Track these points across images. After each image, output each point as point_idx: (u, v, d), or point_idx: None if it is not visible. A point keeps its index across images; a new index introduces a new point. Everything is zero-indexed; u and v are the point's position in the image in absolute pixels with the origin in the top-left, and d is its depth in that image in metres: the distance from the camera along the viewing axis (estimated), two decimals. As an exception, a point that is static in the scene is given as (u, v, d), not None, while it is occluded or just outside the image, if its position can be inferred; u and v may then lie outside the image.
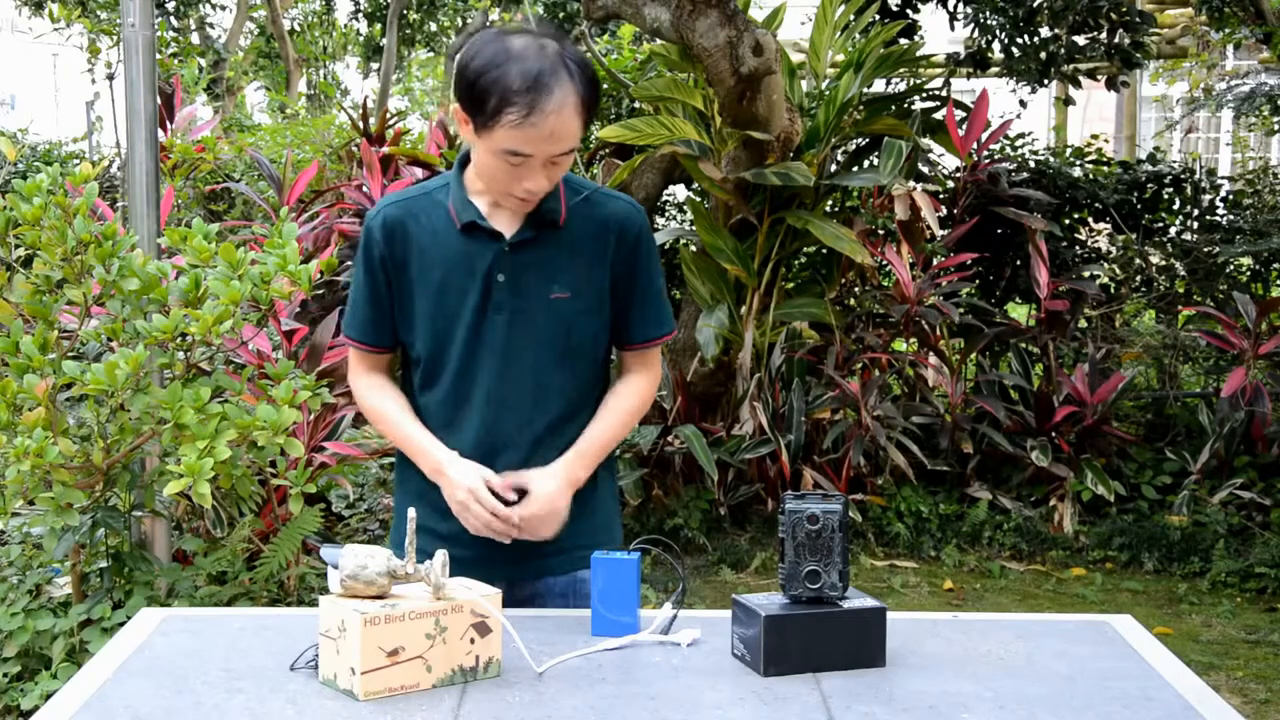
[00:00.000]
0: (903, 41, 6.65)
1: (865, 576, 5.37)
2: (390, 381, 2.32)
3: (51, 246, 3.10)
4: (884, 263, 6.12)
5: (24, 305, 3.15)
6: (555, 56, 2.04)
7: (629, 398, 2.29)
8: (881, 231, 6.19)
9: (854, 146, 6.52)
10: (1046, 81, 6.81)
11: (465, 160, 2.22)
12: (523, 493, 2.16)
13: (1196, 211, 7.13)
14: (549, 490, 2.16)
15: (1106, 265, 7.02)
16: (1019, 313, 7.07)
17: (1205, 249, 6.80)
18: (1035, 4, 6.48)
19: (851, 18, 6.15)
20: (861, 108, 6.16)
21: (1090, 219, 7.14)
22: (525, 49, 2.04)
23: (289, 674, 1.92)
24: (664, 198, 7.52)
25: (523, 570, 2.23)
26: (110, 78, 7.58)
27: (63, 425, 3.14)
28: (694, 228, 5.91)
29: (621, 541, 2.36)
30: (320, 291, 5.05)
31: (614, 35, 8.55)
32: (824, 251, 6.28)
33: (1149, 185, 7.13)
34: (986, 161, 6.55)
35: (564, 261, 2.19)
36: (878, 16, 6.70)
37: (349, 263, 4.94)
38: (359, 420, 4.35)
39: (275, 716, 1.78)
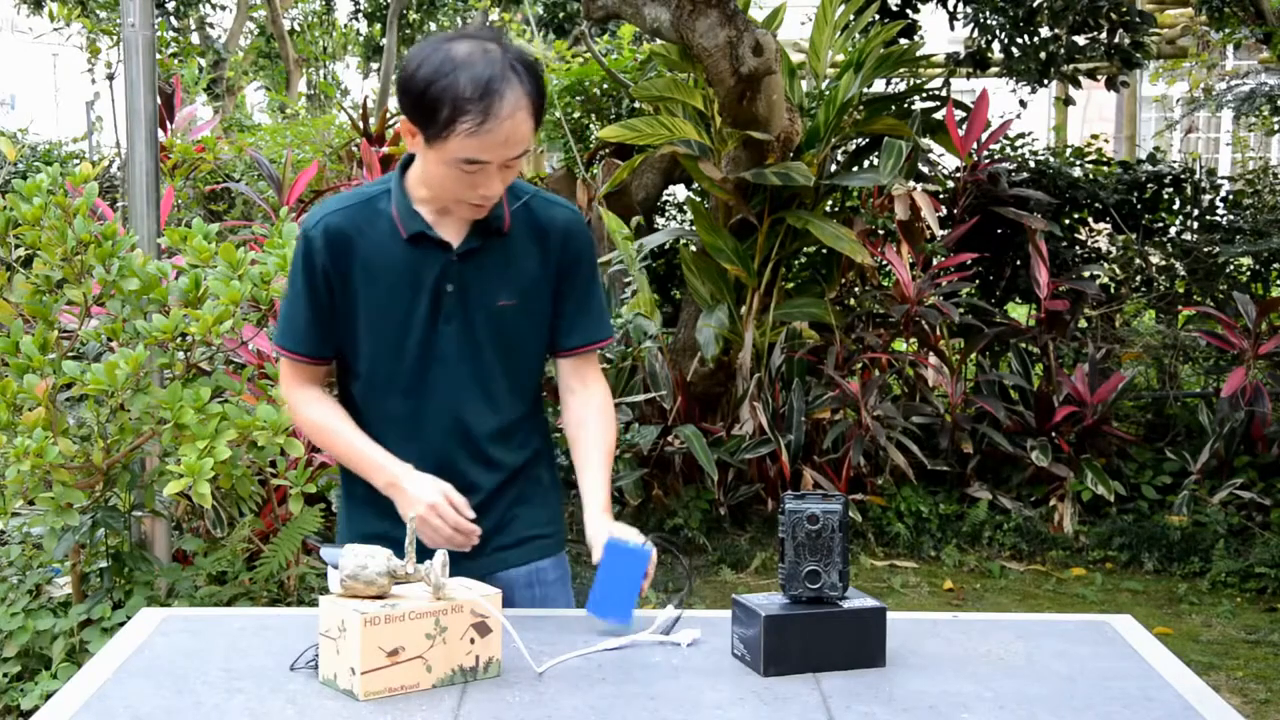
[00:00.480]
0: (902, 41, 6.65)
1: (865, 576, 5.37)
2: (326, 394, 2.29)
3: (51, 246, 3.10)
4: (884, 263, 6.12)
5: (24, 305, 3.15)
6: (502, 60, 2.02)
7: (607, 419, 2.30)
8: (881, 231, 6.19)
9: (854, 146, 6.53)
10: (1046, 81, 6.81)
11: (405, 166, 2.19)
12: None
13: (1196, 211, 7.13)
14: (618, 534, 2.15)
15: (1106, 265, 7.02)
16: (1019, 313, 7.07)
17: (1205, 249, 6.80)
18: (1035, 4, 6.48)
19: (851, 18, 6.15)
20: (861, 108, 6.16)
21: (1090, 219, 7.14)
22: (471, 55, 2.01)
23: (289, 674, 1.92)
24: (664, 198, 7.52)
25: (483, 565, 2.22)
26: (110, 78, 7.58)
27: (63, 425, 3.14)
28: (694, 228, 5.91)
29: (565, 527, 2.40)
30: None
31: (614, 35, 8.55)
32: (824, 251, 6.28)
33: (1149, 185, 7.13)
34: (986, 161, 6.55)
35: (510, 269, 2.19)
36: (877, 16, 6.70)
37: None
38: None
39: (275, 716, 1.78)
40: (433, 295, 2.16)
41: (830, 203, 6.29)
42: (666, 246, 6.79)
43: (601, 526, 2.16)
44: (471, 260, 2.17)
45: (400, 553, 1.90)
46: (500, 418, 2.23)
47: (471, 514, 2.13)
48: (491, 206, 2.14)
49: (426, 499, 2.11)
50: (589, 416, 2.30)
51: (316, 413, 2.26)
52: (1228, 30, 6.88)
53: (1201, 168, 7.44)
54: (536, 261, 2.21)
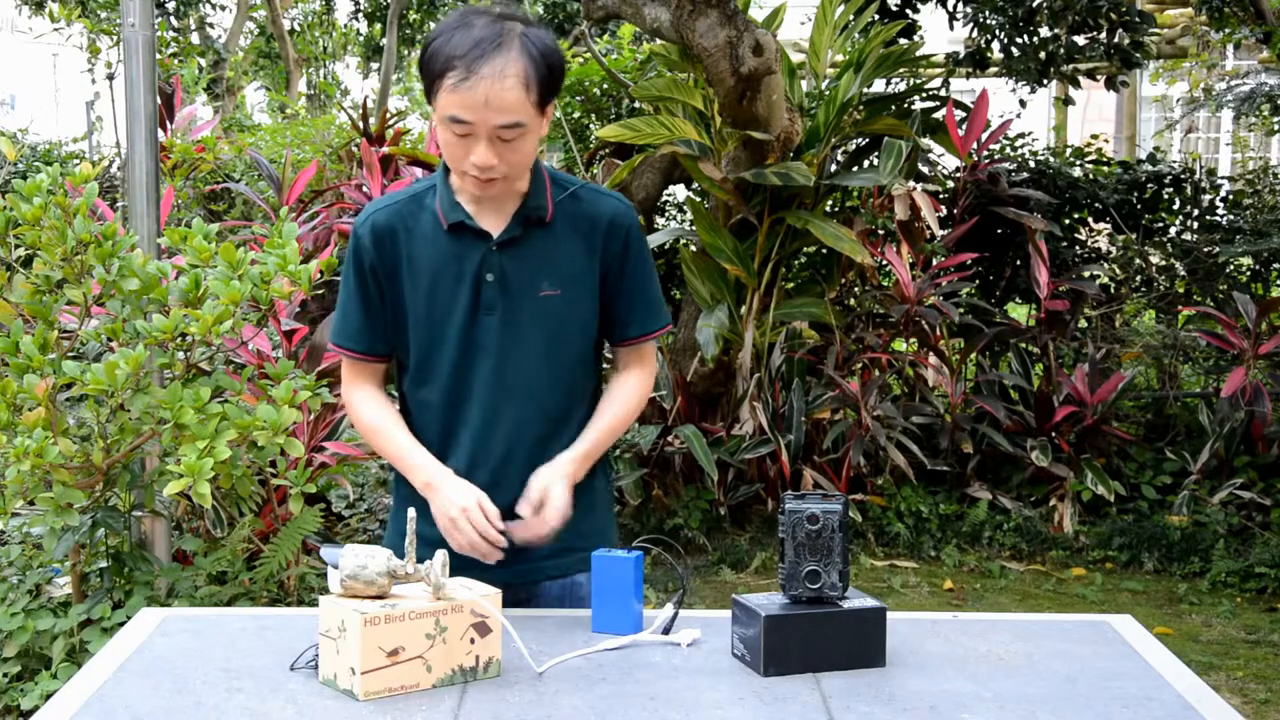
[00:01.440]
0: (902, 41, 6.65)
1: (865, 576, 5.37)
2: (383, 393, 2.30)
3: (51, 246, 3.10)
4: (884, 263, 6.12)
5: (24, 305, 3.15)
6: (509, 31, 2.04)
7: (626, 396, 2.28)
8: (881, 231, 6.19)
9: (854, 146, 6.53)
10: (1046, 81, 6.81)
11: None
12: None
13: (1196, 211, 7.13)
14: (558, 496, 2.13)
15: (1106, 265, 7.02)
16: (1019, 313, 7.08)
17: (1205, 249, 6.80)
18: (1035, 3, 6.48)
19: (851, 18, 6.15)
20: (861, 108, 6.16)
21: (1090, 219, 7.14)
22: (479, 21, 2.04)
23: (289, 674, 1.92)
24: (664, 198, 7.52)
25: (519, 575, 2.20)
26: (110, 78, 7.58)
27: (63, 425, 3.14)
28: (694, 228, 5.91)
29: (617, 542, 2.33)
30: (320, 291, 5.04)
31: (614, 35, 8.55)
32: (824, 251, 6.28)
33: (1149, 185, 7.13)
34: (986, 161, 6.55)
35: (552, 258, 2.18)
36: (877, 16, 6.70)
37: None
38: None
39: (275, 716, 1.78)
40: (474, 285, 2.16)
41: (830, 203, 6.29)
42: (666, 246, 6.79)
43: (540, 472, 2.15)
44: (512, 250, 2.16)
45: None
46: (544, 413, 2.20)
47: (502, 526, 2.10)
48: (495, 181, 2.10)
49: (459, 502, 2.09)
50: (615, 389, 2.29)
51: (369, 413, 2.26)
52: (1228, 30, 6.88)
53: (1201, 168, 7.44)
54: (582, 252, 2.19)
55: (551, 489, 2.13)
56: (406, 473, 2.21)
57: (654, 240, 6.17)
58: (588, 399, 2.27)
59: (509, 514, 2.14)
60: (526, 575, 2.22)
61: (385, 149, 6.14)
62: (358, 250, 2.20)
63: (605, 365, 2.39)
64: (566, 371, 2.22)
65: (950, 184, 6.59)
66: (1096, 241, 7.22)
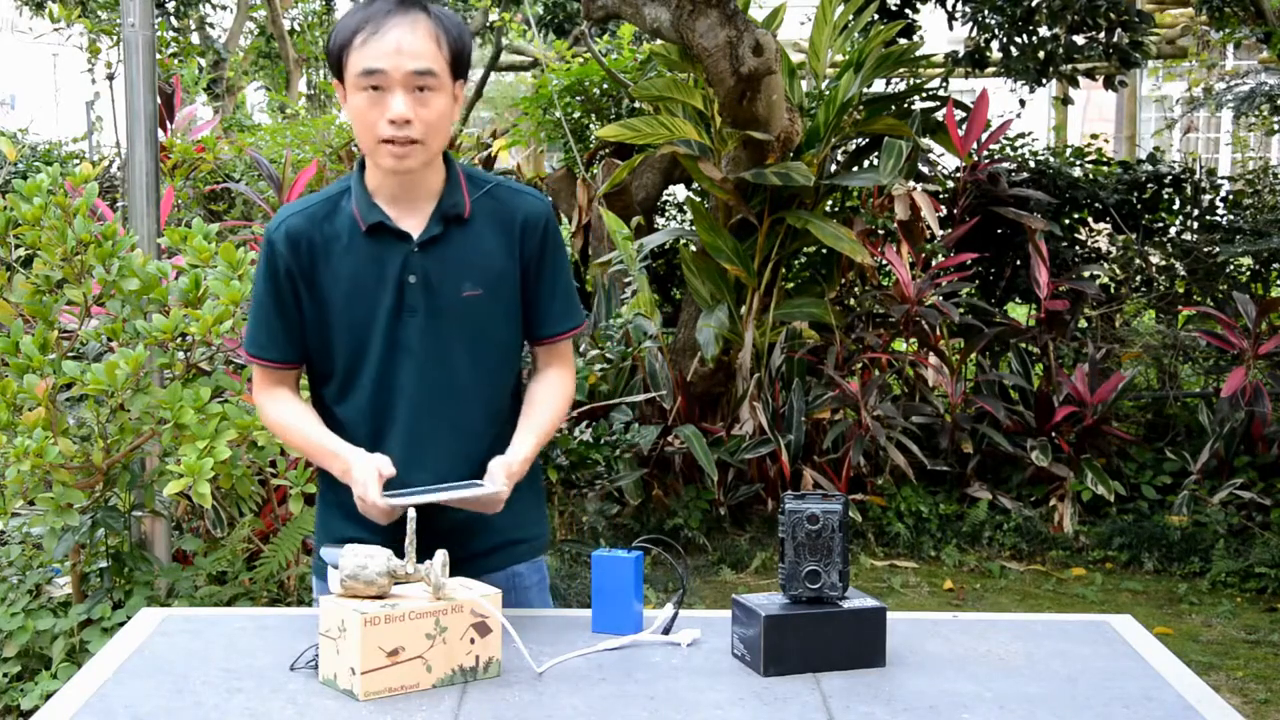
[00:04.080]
0: (902, 41, 6.65)
1: (865, 576, 5.37)
2: (294, 395, 2.27)
3: (51, 246, 3.10)
4: (884, 263, 6.12)
5: (24, 305, 3.15)
6: (414, 4, 2.08)
7: (554, 397, 2.27)
8: (881, 231, 6.19)
9: (854, 146, 6.53)
10: (1045, 81, 6.81)
11: (364, 165, 2.19)
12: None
13: (1196, 211, 7.13)
14: (499, 486, 2.10)
15: (1106, 265, 7.02)
16: (1019, 313, 7.08)
17: (1205, 249, 6.80)
18: (1034, 3, 6.48)
19: (851, 18, 6.15)
20: (861, 108, 6.16)
21: (1090, 219, 7.14)
22: (384, 3, 2.08)
23: (289, 674, 1.92)
24: (664, 198, 7.52)
25: (460, 569, 2.14)
26: (110, 78, 7.57)
27: (63, 425, 3.14)
28: (694, 228, 5.91)
29: (548, 526, 2.34)
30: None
31: (614, 35, 8.55)
32: (824, 251, 6.28)
33: (1149, 185, 7.13)
34: (986, 161, 6.55)
35: (473, 258, 2.16)
36: (877, 16, 6.70)
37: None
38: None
39: (275, 716, 1.78)
40: (396, 287, 2.13)
41: (830, 203, 6.29)
42: (666, 246, 6.79)
43: (497, 460, 2.11)
44: (433, 250, 2.15)
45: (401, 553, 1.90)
46: (470, 414, 2.18)
47: (390, 472, 2.05)
48: (411, 144, 2.07)
49: (357, 492, 2.06)
50: (537, 389, 2.27)
51: (279, 411, 2.23)
52: (1228, 30, 6.88)
53: (1201, 168, 7.44)
54: (502, 250, 2.18)
55: (510, 468, 2.11)
56: (321, 463, 2.19)
57: (654, 240, 6.17)
58: (511, 395, 2.26)
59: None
60: (467, 571, 2.15)
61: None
62: (271, 257, 2.16)
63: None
64: (490, 372, 2.21)
65: (950, 184, 6.59)
66: (1096, 241, 7.22)
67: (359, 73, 2.05)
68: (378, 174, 2.15)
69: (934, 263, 6.04)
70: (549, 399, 2.26)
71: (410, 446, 2.15)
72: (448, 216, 2.16)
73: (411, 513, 1.93)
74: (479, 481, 2.10)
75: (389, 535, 2.08)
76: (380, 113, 2.06)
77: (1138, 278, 7.04)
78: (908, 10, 7.19)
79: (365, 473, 2.06)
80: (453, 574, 2.06)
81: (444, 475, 2.14)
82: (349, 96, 2.10)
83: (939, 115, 6.33)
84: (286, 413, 2.23)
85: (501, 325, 2.20)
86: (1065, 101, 7.83)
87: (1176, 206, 7.19)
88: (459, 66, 2.11)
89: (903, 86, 7.21)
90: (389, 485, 2.06)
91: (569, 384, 2.31)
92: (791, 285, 6.34)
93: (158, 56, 5.56)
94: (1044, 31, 6.68)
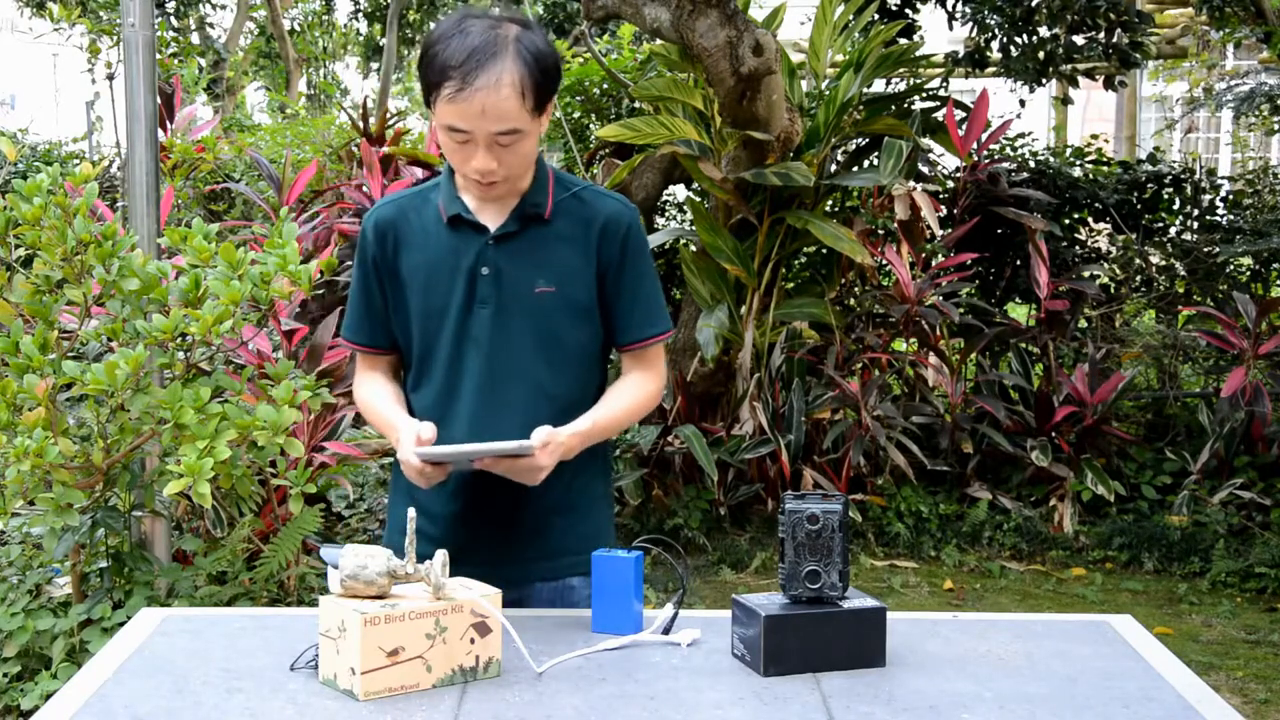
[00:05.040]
0: (902, 41, 6.65)
1: (865, 576, 5.37)
2: (385, 378, 2.32)
3: (51, 246, 3.10)
4: (884, 263, 6.12)
5: (24, 305, 3.15)
6: (504, 37, 2.05)
7: (631, 392, 2.27)
8: (881, 231, 6.19)
9: (854, 146, 6.53)
10: (1045, 81, 6.82)
11: None
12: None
13: (1196, 211, 7.14)
14: (557, 445, 2.09)
15: (1106, 265, 7.02)
16: (1019, 313, 7.08)
17: (1205, 249, 6.80)
18: (1034, 3, 6.48)
19: (851, 18, 6.16)
20: (861, 108, 6.16)
21: (1090, 219, 7.15)
22: (475, 27, 2.05)
23: (289, 674, 1.92)
24: (664, 198, 7.52)
25: (509, 573, 2.16)
26: (110, 78, 7.57)
27: (63, 425, 3.14)
28: (694, 228, 5.91)
29: (614, 546, 2.29)
30: (320, 291, 5.05)
31: (614, 35, 8.55)
32: (824, 251, 6.28)
33: (1149, 185, 7.13)
34: (986, 161, 6.55)
35: (549, 255, 2.18)
36: (877, 16, 6.70)
37: (349, 263, 4.94)
38: (359, 420, 4.35)
39: (275, 716, 1.78)
40: (469, 279, 2.17)
41: (830, 203, 6.29)
42: (666, 246, 6.78)
43: (544, 427, 2.10)
44: (507, 244, 2.17)
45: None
46: (535, 410, 2.16)
47: (430, 436, 2.08)
48: (498, 183, 2.12)
49: (399, 452, 2.12)
50: (618, 386, 2.27)
51: (364, 390, 2.30)
52: (1228, 30, 6.88)
53: (1201, 168, 7.44)
54: (579, 251, 2.19)
55: (555, 437, 2.09)
56: (388, 437, 2.24)
57: (654, 240, 6.17)
58: (590, 398, 2.24)
59: (501, 500, 2.18)
60: (517, 576, 2.20)
61: (385, 149, 6.14)
62: (363, 244, 2.24)
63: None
64: (565, 374, 2.21)
65: (950, 184, 6.59)
66: (1096, 241, 7.22)
67: (445, 125, 2.08)
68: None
69: (934, 263, 6.04)
70: (621, 394, 2.26)
71: (473, 437, 2.16)
72: (527, 215, 2.19)
73: (411, 512, 1.92)
74: (514, 441, 2.08)
75: (446, 526, 2.19)
76: (466, 158, 2.10)
77: (1138, 278, 7.04)
78: (908, 10, 7.19)
79: (406, 434, 2.10)
80: (502, 580, 2.05)
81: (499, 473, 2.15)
82: (438, 128, 2.12)
83: (939, 115, 6.34)
84: (368, 392, 2.29)
85: (572, 325, 2.20)
86: (1065, 101, 7.83)
87: (1176, 206, 7.19)
88: (546, 98, 2.11)
89: (903, 86, 7.21)
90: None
91: (650, 387, 2.29)
92: (791, 285, 6.34)
93: (158, 56, 5.56)
94: (1044, 31, 6.68)
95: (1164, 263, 7.01)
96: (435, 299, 2.19)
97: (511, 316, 2.17)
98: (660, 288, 2.32)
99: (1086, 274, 6.62)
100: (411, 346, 2.24)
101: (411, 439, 2.09)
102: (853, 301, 6.39)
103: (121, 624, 3.31)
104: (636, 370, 2.30)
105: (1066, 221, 6.97)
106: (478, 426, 2.17)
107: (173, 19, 12.67)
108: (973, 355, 6.37)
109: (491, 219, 2.19)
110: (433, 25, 2.15)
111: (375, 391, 2.29)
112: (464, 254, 2.17)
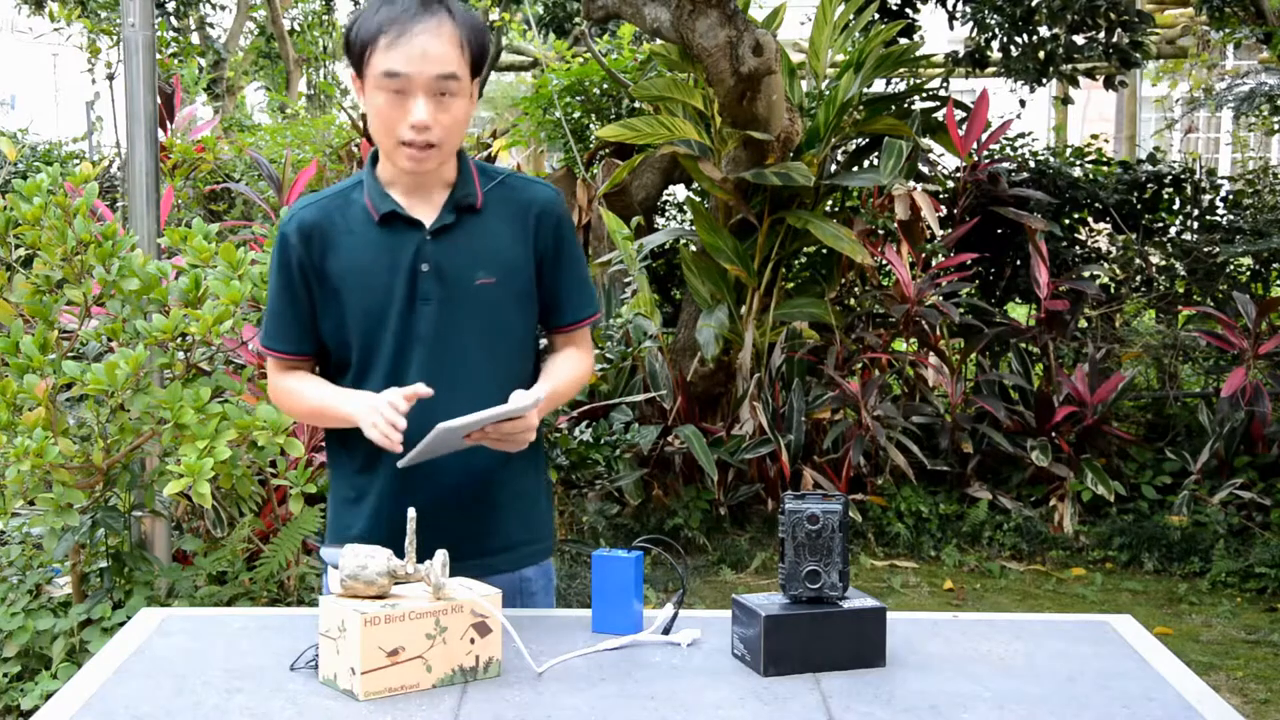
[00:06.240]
0: (902, 41, 6.65)
1: (865, 576, 5.37)
2: (303, 374, 2.27)
3: (51, 246, 3.10)
4: (884, 263, 6.12)
5: (24, 305, 3.15)
6: (436, 4, 2.07)
7: (572, 367, 2.29)
8: (881, 231, 6.19)
9: (854, 146, 6.53)
10: (1044, 81, 6.82)
11: (376, 158, 2.20)
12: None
13: (1196, 211, 7.13)
14: (529, 400, 2.08)
15: (1106, 265, 7.02)
16: (1019, 313, 7.08)
17: (1205, 249, 6.80)
18: (1034, 3, 6.48)
19: (851, 18, 6.15)
20: (861, 108, 6.16)
21: (1090, 219, 7.15)
22: (397, 1, 2.08)
23: (289, 674, 1.92)
24: (664, 198, 7.52)
25: (467, 569, 2.13)
26: (110, 78, 7.58)
27: (63, 425, 3.14)
28: (694, 228, 5.91)
29: (554, 529, 2.35)
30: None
31: (614, 35, 8.55)
32: (824, 251, 6.28)
33: (1149, 185, 7.13)
34: (986, 161, 6.55)
35: (486, 246, 2.17)
36: (877, 16, 6.70)
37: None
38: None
39: (275, 716, 1.78)
40: (409, 275, 2.14)
41: (830, 203, 6.29)
42: (666, 246, 6.79)
43: (520, 391, 2.09)
44: (446, 238, 2.16)
45: (400, 552, 1.90)
46: (483, 402, 2.13)
47: (405, 405, 2.04)
48: (432, 147, 2.09)
49: (370, 414, 2.04)
50: (553, 359, 2.29)
51: (286, 385, 2.24)
52: (1228, 30, 6.87)
53: (1201, 168, 7.44)
54: (515, 239, 2.19)
55: (538, 395, 2.09)
56: (332, 419, 2.18)
57: (654, 240, 6.17)
58: (529, 379, 2.24)
59: (449, 497, 2.17)
60: (474, 572, 2.14)
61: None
62: (284, 249, 2.18)
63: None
64: (504, 362, 2.21)
65: (950, 184, 6.59)
66: (1096, 241, 7.22)
67: (382, 73, 2.06)
68: (391, 168, 2.17)
69: (934, 263, 6.04)
70: (563, 369, 2.28)
71: (422, 434, 2.13)
72: (460, 206, 2.17)
73: (411, 513, 1.92)
74: (510, 405, 2.07)
75: (390, 530, 2.10)
76: (401, 115, 2.07)
77: (1138, 278, 7.04)
78: (908, 10, 7.19)
79: (388, 393, 2.05)
80: (460, 576, 2.06)
81: (448, 469, 2.15)
82: (369, 93, 2.10)
83: (939, 115, 6.34)
84: (294, 385, 2.23)
85: (514, 313, 2.21)
86: (1065, 101, 7.83)
87: (1176, 206, 7.19)
88: (478, 67, 2.13)
89: (903, 86, 7.21)
90: (405, 443, 2.04)
91: (586, 363, 2.33)
92: (791, 285, 6.34)
93: (158, 56, 5.56)
94: (1044, 31, 6.68)
95: (1164, 263, 7.01)
96: (374, 299, 2.15)
97: (455, 310, 2.16)
98: (589, 269, 2.34)
99: (1086, 274, 6.62)
100: (349, 348, 2.19)
101: (396, 394, 2.04)
102: (853, 301, 6.39)
103: (121, 624, 3.31)
104: (571, 347, 2.32)
105: (1066, 221, 6.97)
106: (420, 426, 2.12)
107: (173, 19, 12.66)
108: (973, 355, 6.37)
109: (425, 214, 2.16)
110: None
111: (301, 381, 2.23)
112: (401, 251, 2.15)
